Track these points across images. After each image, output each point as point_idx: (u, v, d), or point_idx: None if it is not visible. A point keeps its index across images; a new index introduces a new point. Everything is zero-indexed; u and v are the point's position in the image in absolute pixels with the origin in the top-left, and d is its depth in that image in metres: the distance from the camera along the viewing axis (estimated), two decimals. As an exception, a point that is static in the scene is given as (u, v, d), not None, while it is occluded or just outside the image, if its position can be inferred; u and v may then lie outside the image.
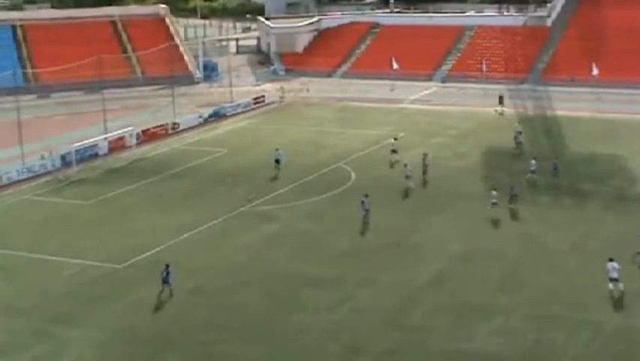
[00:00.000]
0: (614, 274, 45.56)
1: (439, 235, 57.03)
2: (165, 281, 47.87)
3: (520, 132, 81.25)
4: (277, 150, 74.43)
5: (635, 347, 41.22)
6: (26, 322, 45.54)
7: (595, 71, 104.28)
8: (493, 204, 59.33)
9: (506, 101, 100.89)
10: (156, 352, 41.99)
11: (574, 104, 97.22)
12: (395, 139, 77.70)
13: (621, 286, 45.36)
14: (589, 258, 52.23)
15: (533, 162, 68.51)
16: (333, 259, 53.48)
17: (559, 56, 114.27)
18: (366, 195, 59.99)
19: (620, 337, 42.26)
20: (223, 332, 43.87)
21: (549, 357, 40.46)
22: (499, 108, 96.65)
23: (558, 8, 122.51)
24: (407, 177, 66.70)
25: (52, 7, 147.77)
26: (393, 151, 75.25)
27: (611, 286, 45.56)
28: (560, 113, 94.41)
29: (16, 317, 46.13)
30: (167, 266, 48.21)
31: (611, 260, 46.11)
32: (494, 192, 59.75)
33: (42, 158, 76.71)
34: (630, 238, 54.84)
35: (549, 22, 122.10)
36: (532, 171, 68.10)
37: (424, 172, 70.06)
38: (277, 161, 73.35)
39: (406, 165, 67.53)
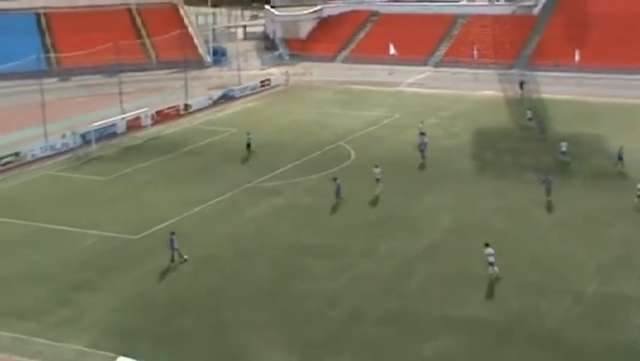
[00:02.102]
0: (491, 259, 44.89)
1: (432, 210, 57.00)
2: (172, 247, 48.24)
3: (530, 118, 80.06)
4: (248, 134, 73.93)
5: (613, 312, 41.38)
6: (49, 288, 45.70)
7: (577, 57, 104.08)
8: None
9: (494, 85, 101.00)
10: (169, 317, 42.06)
11: (558, 87, 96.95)
12: (422, 122, 76.72)
13: (496, 269, 44.82)
14: (571, 231, 52.34)
15: (564, 143, 67.17)
16: (334, 231, 53.52)
17: (544, 43, 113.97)
18: (335, 178, 59.26)
19: (599, 303, 42.37)
20: (232, 298, 43.97)
21: (533, 322, 40.51)
22: (520, 92, 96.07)
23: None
24: (377, 180, 61.00)
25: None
26: (422, 134, 73.31)
27: (490, 270, 45.04)
28: (545, 96, 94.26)
29: (40, 283, 46.28)
30: (172, 233, 48.69)
31: (487, 245, 45.28)
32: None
33: (64, 137, 76.64)
34: (609, 212, 55.04)
35: (536, 12, 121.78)
36: (563, 153, 66.79)
37: (423, 156, 68.58)
38: (248, 145, 72.51)
39: (377, 166, 61.77)
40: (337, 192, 58.41)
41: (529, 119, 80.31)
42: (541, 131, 76.80)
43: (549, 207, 56.43)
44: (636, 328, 39.87)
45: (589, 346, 38.18)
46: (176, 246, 48.30)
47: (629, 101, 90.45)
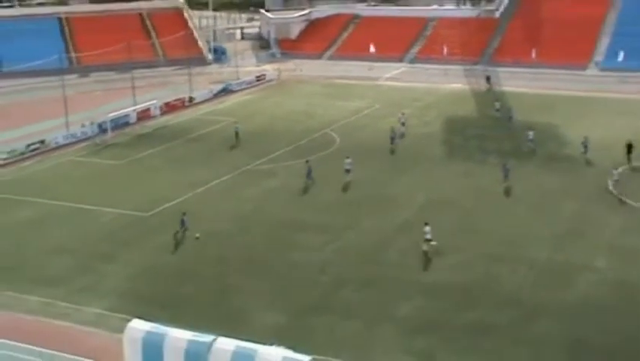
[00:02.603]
0: (428, 236, 44.68)
1: (408, 189, 57.16)
2: (182, 225, 48.53)
3: (498, 109, 79.53)
4: (236, 123, 73.86)
5: (562, 276, 41.91)
6: (73, 259, 45.92)
7: (534, 55, 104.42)
8: (617, 180, 55.19)
9: (461, 79, 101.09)
10: (178, 283, 42.31)
11: (517, 81, 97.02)
12: (402, 113, 75.97)
13: (434, 243, 44.68)
14: (529, 208, 52.65)
15: (531, 132, 66.68)
16: (321, 208, 53.67)
17: (505, 42, 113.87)
18: (307, 161, 59.73)
19: (550, 269, 42.89)
20: (232, 268, 44.19)
21: (495, 287, 40.95)
22: (487, 85, 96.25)
23: (505, 2, 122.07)
24: (347, 170, 59.03)
25: (91, 1, 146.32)
26: (402, 124, 73.02)
27: (425, 247, 44.75)
28: (507, 89, 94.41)
29: (65, 254, 46.51)
30: (184, 214, 48.96)
31: (426, 224, 45.00)
32: (614, 171, 55.75)
33: (83, 126, 76.50)
34: (564, 191, 55.38)
35: (498, 14, 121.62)
36: (531, 140, 66.22)
37: (394, 143, 68.45)
38: (236, 134, 72.14)
39: (348, 157, 60.02)
40: (308, 174, 58.46)
41: (498, 110, 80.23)
42: (509, 121, 76.68)
43: (507, 192, 55.83)
44: (582, 289, 40.43)
45: (542, 305, 38.67)
46: (187, 225, 48.47)
47: (579, 93, 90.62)
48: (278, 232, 49.43)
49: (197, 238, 48.07)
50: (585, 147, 63.67)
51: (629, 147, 61.17)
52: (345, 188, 57.61)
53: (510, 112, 77.45)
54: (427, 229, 45.02)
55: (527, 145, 66.38)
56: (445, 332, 36.49)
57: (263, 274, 43.18)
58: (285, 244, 47.40)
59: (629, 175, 57.93)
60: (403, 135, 71.28)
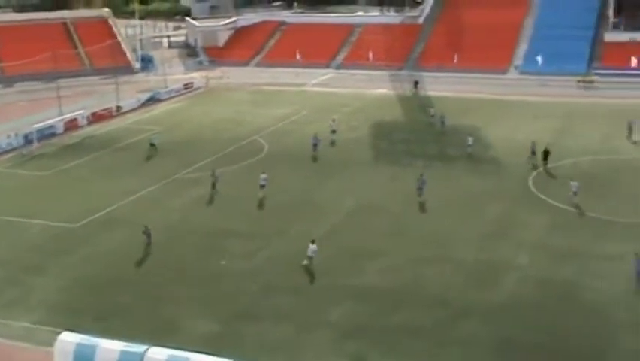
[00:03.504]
0: (311, 254, 44.27)
1: (336, 194, 57.36)
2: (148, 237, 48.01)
3: (433, 115, 79.81)
4: (154, 133, 73.56)
5: (488, 276, 42.67)
6: (0, 272, 44.92)
7: (456, 60, 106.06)
8: (574, 193, 53.28)
9: (387, 84, 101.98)
10: (109, 294, 41.76)
11: (441, 86, 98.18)
12: (333, 120, 75.91)
13: (306, 262, 44.21)
14: (453, 209, 53.37)
15: (470, 138, 67.24)
16: (250, 215, 53.58)
17: (429, 48, 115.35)
18: (212, 172, 59.39)
19: (477, 270, 43.60)
20: (164, 277, 43.79)
21: (423, 288, 41.45)
22: (414, 90, 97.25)
23: (427, 10, 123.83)
24: (261, 186, 57.13)
25: (14, 11, 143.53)
26: (333, 131, 73.02)
27: (306, 261, 44.29)
28: (431, 93, 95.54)
29: (-9, 269, 45.53)
30: (146, 227, 48.13)
31: (312, 242, 44.49)
32: (573, 183, 53.66)
33: (8, 137, 74.95)
34: (487, 193, 56.29)
35: (421, 20, 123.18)
36: (470, 145, 66.65)
37: (315, 148, 68.23)
38: (152, 144, 71.31)
39: (264, 172, 58.16)
40: (214, 185, 58.40)
41: (432, 115, 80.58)
42: (442, 126, 76.69)
43: (422, 207, 54.44)
44: (508, 288, 41.19)
45: (470, 305, 39.29)
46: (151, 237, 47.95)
47: (501, 97, 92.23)
48: (207, 240, 49.13)
49: (149, 244, 47.51)
50: (533, 152, 63.97)
51: (546, 154, 62.64)
52: (262, 202, 56.31)
53: (443, 117, 78.20)
54: (313, 247, 44.22)
55: (468, 151, 66.72)
56: (375, 335, 36.79)
57: (194, 283, 42.87)
58: (215, 252, 47.10)
59: (545, 178, 59.45)
60: (333, 143, 71.51)
